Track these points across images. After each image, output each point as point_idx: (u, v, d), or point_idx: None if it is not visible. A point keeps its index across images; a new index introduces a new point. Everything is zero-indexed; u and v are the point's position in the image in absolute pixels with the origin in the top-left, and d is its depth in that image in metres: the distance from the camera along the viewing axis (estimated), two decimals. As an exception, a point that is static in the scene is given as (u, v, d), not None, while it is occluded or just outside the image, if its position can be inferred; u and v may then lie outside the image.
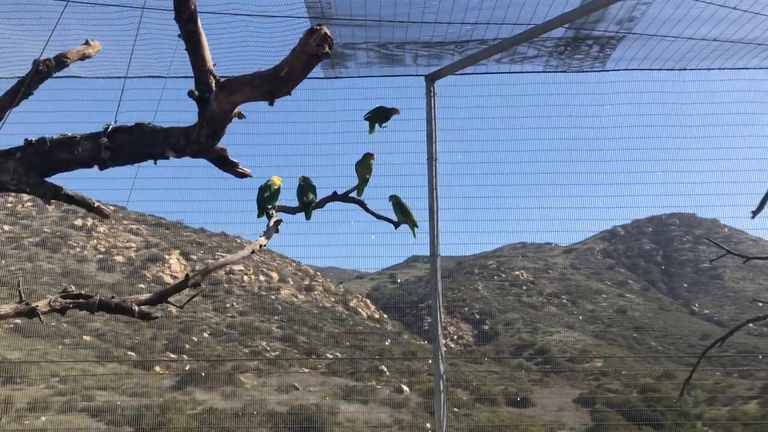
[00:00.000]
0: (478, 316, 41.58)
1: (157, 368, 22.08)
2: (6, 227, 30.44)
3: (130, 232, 34.81)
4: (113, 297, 2.85)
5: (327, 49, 2.10)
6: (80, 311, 2.91)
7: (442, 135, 6.77)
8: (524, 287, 46.59)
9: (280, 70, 2.23)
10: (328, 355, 27.62)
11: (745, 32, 5.99)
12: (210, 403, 19.23)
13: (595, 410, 21.68)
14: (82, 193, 2.73)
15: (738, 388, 25.90)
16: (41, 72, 2.75)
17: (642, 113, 7.47)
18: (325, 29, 2.08)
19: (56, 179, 2.66)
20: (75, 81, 6.56)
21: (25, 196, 33.22)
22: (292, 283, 37.29)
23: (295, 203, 3.68)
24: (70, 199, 2.68)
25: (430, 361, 7.16)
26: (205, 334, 27.95)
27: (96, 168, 2.58)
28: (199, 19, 2.34)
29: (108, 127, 2.53)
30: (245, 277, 35.01)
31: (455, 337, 38.75)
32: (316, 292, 37.57)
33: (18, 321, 22.44)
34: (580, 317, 42.68)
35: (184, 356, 24.21)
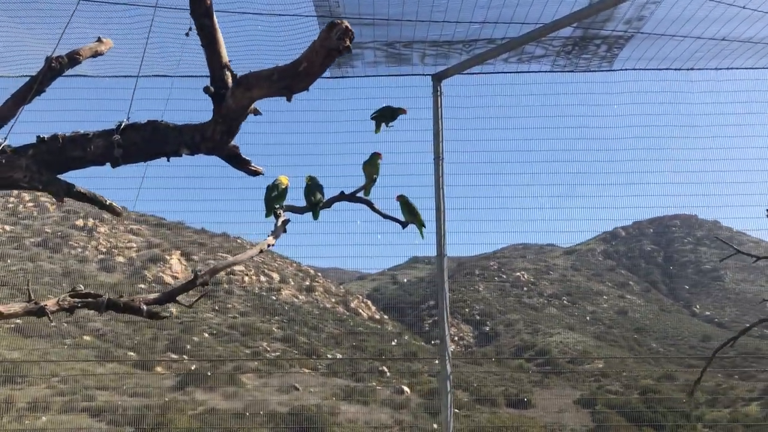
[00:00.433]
0: (478, 317, 41.57)
1: (158, 368, 22.06)
2: (7, 227, 30.43)
3: (131, 233, 34.79)
4: (121, 296, 2.83)
5: (348, 43, 2.09)
6: (84, 311, 2.90)
7: (448, 135, 6.75)
8: (525, 288, 46.59)
9: (299, 65, 2.21)
10: (328, 355, 27.61)
11: (755, 31, 5.94)
12: (211, 404, 19.21)
13: (595, 411, 21.66)
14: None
15: (739, 390, 25.87)
16: (54, 69, 2.73)
17: (647, 113, 7.41)
18: (346, 23, 2.07)
19: (66, 178, 2.65)
20: (84, 80, 6.54)
21: (27, 196, 33.25)
22: (292, 283, 37.27)
23: (301, 203, 3.67)
24: (83, 197, 2.66)
25: (436, 362, 7.09)
26: (206, 335, 27.92)
27: (108, 166, 2.56)
28: (215, 15, 2.33)
29: (121, 125, 2.52)
30: (246, 278, 35.00)
31: (456, 338, 38.72)
32: (316, 293, 37.55)
33: (18, 321, 22.44)
34: (581, 319, 42.67)
35: (185, 357, 24.18)
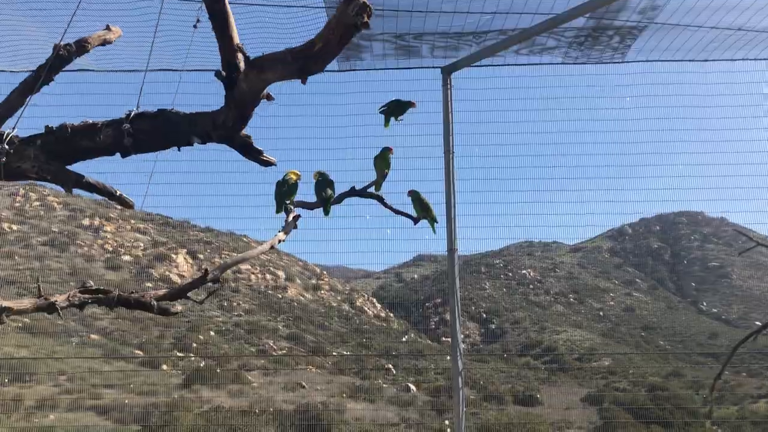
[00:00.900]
0: (485, 315, 41.53)
1: (165, 366, 22.08)
2: (14, 226, 30.50)
3: (137, 231, 34.85)
4: (133, 292, 2.81)
5: (366, 18, 2.03)
6: (91, 309, 2.85)
7: (458, 128, 6.63)
8: (531, 286, 46.54)
9: (314, 45, 2.15)
10: (334, 353, 27.59)
11: (772, 20, 5.76)
12: (217, 402, 19.19)
13: (602, 409, 21.56)
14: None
15: (747, 387, 25.75)
16: (62, 57, 2.68)
17: (659, 105, 7.27)
18: None
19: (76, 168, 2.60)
20: (93, 75, 6.49)
21: (34, 195, 33.36)
22: (298, 282, 37.30)
23: (312, 199, 3.60)
24: (92, 188, 2.63)
25: (448, 358, 7.02)
26: (212, 333, 27.94)
27: (116, 162, 2.53)
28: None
29: (130, 113, 2.48)
30: (252, 276, 35.03)
31: (462, 336, 38.68)
32: (322, 291, 37.58)
33: (26, 319, 22.50)
34: (588, 316, 42.59)
35: (191, 355, 24.20)
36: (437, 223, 3.98)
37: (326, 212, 3.59)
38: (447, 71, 6.63)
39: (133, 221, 35.13)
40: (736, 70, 6.74)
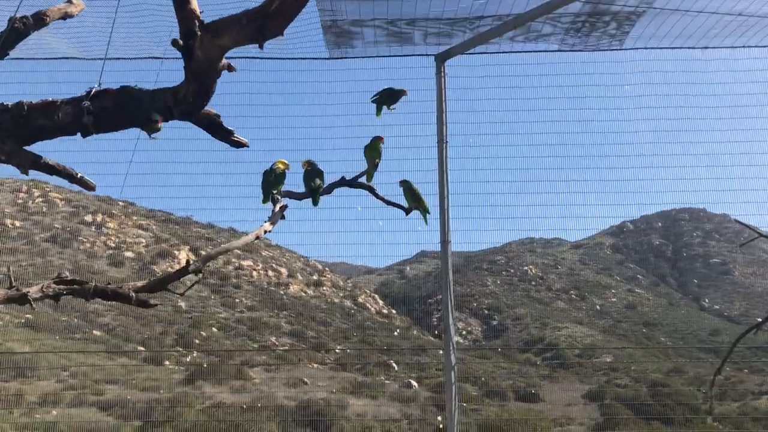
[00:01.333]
0: (486, 312, 41.51)
1: (167, 362, 22.12)
2: (17, 223, 30.58)
3: (139, 228, 34.90)
4: (109, 283, 2.73)
5: None
6: (81, 302, 2.78)
7: (452, 117, 6.51)
8: (533, 283, 46.49)
9: (271, 4, 2.04)
10: (336, 350, 27.61)
11: (775, 4, 5.57)
12: (219, 398, 19.23)
13: (604, 405, 21.52)
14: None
15: (749, 384, 25.70)
16: (17, 30, 2.55)
17: (658, 94, 6.95)
18: None
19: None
20: (73, 63, 6.36)
21: (36, 192, 33.41)
22: (300, 278, 37.32)
23: (302, 189, 3.56)
24: (51, 169, 2.53)
25: (440, 352, 6.97)
26: (214, 329, 27.99)
27: (79, 136, 2.39)
28: None
29: (91, 91, 2.37)
30: (254, 273, 35.06)
31: (464, 333, 38.70)
32: (324, 288, 37.58)
33: (29, 315, 22.54)
34: (589, 313, 42.55)
35: (194, 351, 24.24)
36: (429, 213, 3.91)
37: (315, 203, 3.51)
38: (440, 59, 6.49)
39: (135, 218, 35.19)
40: (737, 57, 6.54)
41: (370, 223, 6.95)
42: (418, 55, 6.61)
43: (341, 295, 38.08)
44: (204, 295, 31.69)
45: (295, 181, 3.50)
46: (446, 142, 6.45)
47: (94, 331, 24.55)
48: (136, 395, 18.60)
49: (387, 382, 23.11)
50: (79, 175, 2.62)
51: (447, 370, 6.35)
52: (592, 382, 26.56)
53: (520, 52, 6.66)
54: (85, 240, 31.77)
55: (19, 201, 32.75)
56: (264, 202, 3.41)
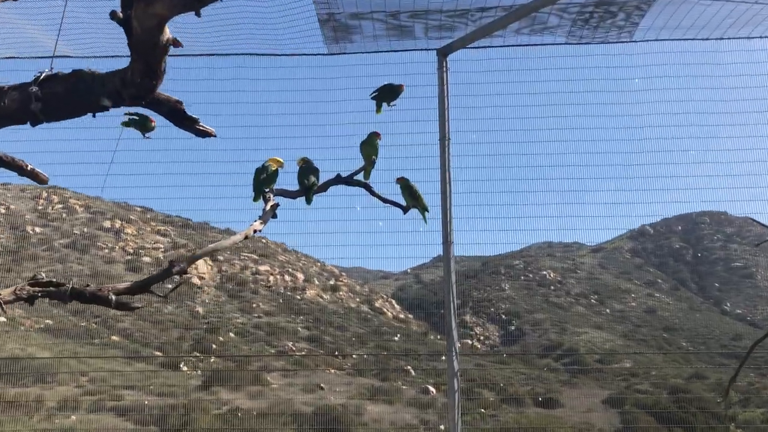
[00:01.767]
0: (504, 317, 41.23)
1: (184, 368, 22.20)
2: (38, 229, 30.94)
3: (157, 234, 35.15)
4: (88, 285, 2.64)
5: None
6: (101, 308, 2.73)
7: (455, 114, 6.24)
8: (552, 287, 46.12)
9: None
10: (353, 355, 27.57)
11: (794, -8, 5.25)
12: (236, 403, 19.25)
13: (624, 411, 21.28)
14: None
15: (773, 390, 25.30)
16: None
17: (671, 87, 6.58)
18: None
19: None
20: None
21: (56, 198, 33.79)
22: (317, 283, 37.34)
23: (296, 187, 3.47)
24: (0, 162, 2.43)
25: (443, 358, 6.78)
26: (232, 335, 28.08)
27: (28, 124, 2.25)
28: None
29: (40, 75, 2.23)
30: (271, 278, 35.15)
31: (481, 338, 38.49)
32: (341, 293, 37.57)
33: (48, 321, 22.76)
34: (609, 317, 42.13)
35: (211, 356, 24.33)
36: (428, 212, 3.82)
37: (308, 201, 3.40)
38: (443, 53, 6.23)
39: (153, 223, 35.46)
40: (754, 48, 6.15)
41: (386, 228, 6.76)
42: (420, 49, 6.34)
43: (358, 300, 38.05)
44: (222, 300, 31.85)
45: (293, 181, 3.44)
46: (449, 139, 6.21)
47: (113, 337, 24.73)
48: (153, 401, 18.68)
49: (404, 387, 23.03)
50: (30, 167, 2.51)
51: (450, 376, 6.12)
52: (612, 387, 26.26)
53: (526, 45, 6.34)
54: (103, 246, 32.05)
55: (39, 207, 33.14)
56: (255, 200, 3.34)
